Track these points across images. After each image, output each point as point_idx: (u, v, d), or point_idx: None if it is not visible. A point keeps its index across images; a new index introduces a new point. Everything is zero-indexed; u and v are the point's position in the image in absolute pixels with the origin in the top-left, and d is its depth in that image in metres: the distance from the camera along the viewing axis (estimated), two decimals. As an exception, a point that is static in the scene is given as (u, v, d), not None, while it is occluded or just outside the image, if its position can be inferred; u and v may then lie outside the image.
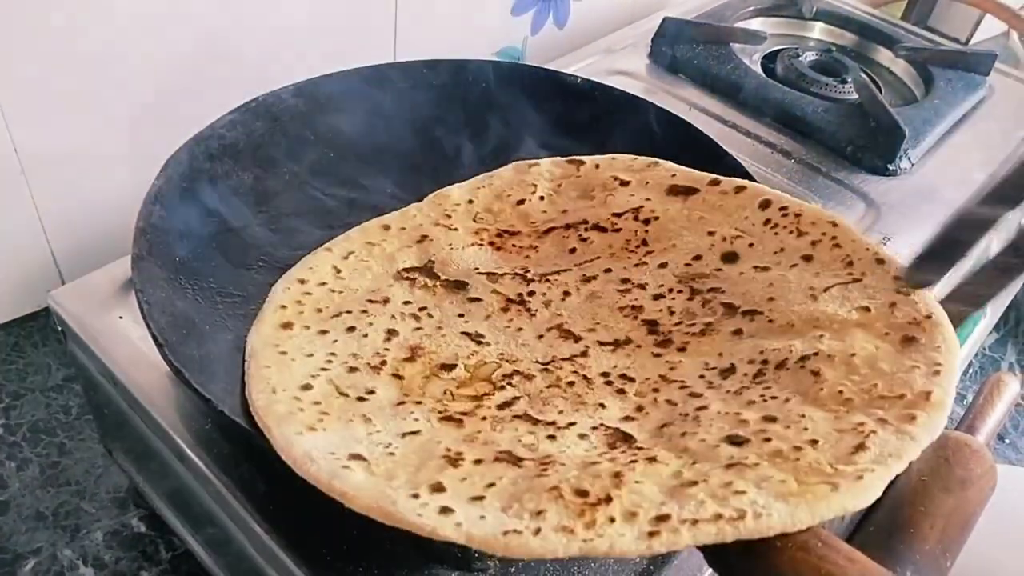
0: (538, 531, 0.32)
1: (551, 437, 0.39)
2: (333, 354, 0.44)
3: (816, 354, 0.40)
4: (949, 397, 0.38)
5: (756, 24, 0.94)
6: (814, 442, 0.35)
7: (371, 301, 0.48)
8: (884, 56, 0.92)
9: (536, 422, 0.40)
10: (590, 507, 0.33)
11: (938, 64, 0.88)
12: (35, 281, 0.70)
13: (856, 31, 0.94)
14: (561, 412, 0.41)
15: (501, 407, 0.42)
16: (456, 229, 0.52)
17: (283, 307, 0.47)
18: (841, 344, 0.40)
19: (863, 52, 0.93)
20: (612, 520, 0.32)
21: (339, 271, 0.50)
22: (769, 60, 0.89)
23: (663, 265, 0.49)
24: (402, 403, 0.42)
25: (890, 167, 0.74)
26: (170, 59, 0.68)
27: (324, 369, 0.43)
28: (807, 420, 0.37)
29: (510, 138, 0.61)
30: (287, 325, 0.46)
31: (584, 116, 0.62)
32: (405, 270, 0.50)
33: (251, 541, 0.44)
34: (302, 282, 0.48)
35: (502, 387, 0.43)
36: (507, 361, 0.45)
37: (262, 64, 0.73)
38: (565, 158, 0.55)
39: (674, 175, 0.52)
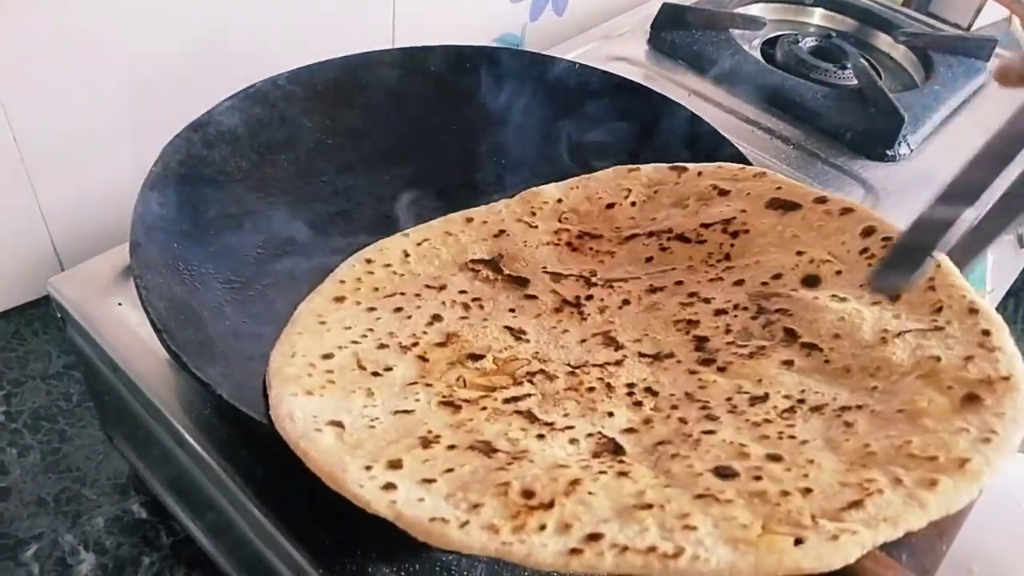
0: (465, 524, 0.32)
1: (540, 436, 0.38)
2: (371, 330, 0.45)
3: (860, 407, 0.37)
4: (989, 470, 0.32)
5: (755, 10, 0.93)
6: (807, 491, 0.33)
7: (428, 287, 0.48)
8: (884, 42, 0.92)
9: (534, 420, 0.40)
10: (527, 510, 0.33)
11: (938, 50, 0.88)
12: (35, 269, 0.70)
13: (856, 16, 0.94)
14: (566, 415, 0.41)
15: (508, 401, 0.41)
16: (536, 227, 0.52)
17: (342, 282, 0.48)
18: (890, 400, 0.37)
19: (863, 38, 0.93)
20: (542, 528, 0.32)
21: (408, 255, 0.50)
22: (768, 46, 0.88)
23: (739, 283, 0.46)
24: (414, 383, 0.42)
25: (889, 153, 0.74)
26: (168, 46, 0.68)
27: (355, 343, 0.44)
28: (814, 467, 0.34)
29: (505, 124, 0.61)
30: (339, 299, 0.47)
31: (582, 102, 0.62)
32: (473, 261, 0.50)
33: (251, 526, 0.44)
34: (369, 262, 0.49)
35: (520, 383, 0.43)
36: (538, 360, 0.45)
37: (260, 50, 0.72)
38: (668, 164, 0.53)
39: (779, 187, 0.49)
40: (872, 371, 0.39)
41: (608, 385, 0.42)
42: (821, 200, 0.47)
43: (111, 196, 0.69)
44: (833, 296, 0.43)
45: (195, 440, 0.45)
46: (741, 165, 0.52)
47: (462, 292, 0.49)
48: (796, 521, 0.31)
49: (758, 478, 0.34)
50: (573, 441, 0.38)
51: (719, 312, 0.45)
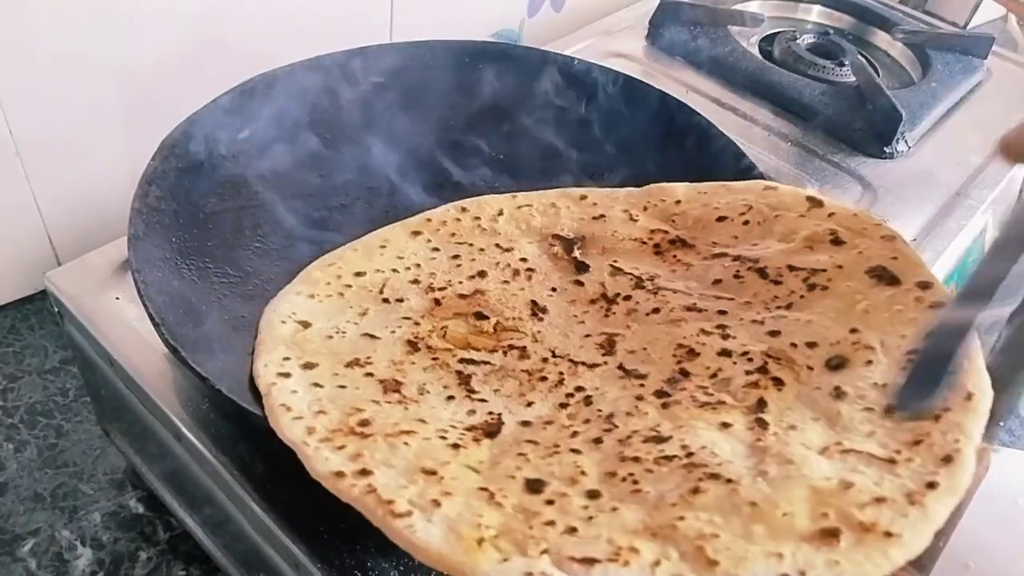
0: (299, 419, 0.38)
1: (450, 398, 0.42)
2: (417, 265, 0.50)
3: (730, 481, 0.35)
4: None
5: (754, 7, 0.93)
6: (572, 529, 0.33)
7: (498, 246, 0.51)
8: (882, 39, 0.92)
9: (463, 384, 0.43)
10: (349, 431, 0.38)
11: (936, 47, 0.88)
12: (31, 264, 0.70)
13: (854, 14, 0.94)
14: (496, 391, 0.43)
15: (463, 361, 0.45)
16: (636, 221, 0.52)
17: (428, 220, 0.53)
18: (759, 492, 0.35)
19: (861, 35, 0.93)
20: (341, 448, 0.37)
21: (501, 214, 0.53)
22: (767, 43, 0.88)
23: (773, 334, 0.43)
24: (408, 318, 0.47)
25: (887, 150, 0.74)
26: (164, 40, 0.67)
27: (394, 271, 0.50)
28: (610, 513, 0.34)
29: (502, 120, 0.61)
30: (416, 233, 0.52)
31: (580, 99, 0.62)
32: (554, 236, 0.52)
33: (249, 520, 0.44)
34: (463, 210, 0.53)
35: (494, 351, 0.46)
36: (534, 339, 0.46)
37: (258, 45, 0.72)
38: (807, 193, 0.50)
39: (895, 257, 0.44)
40: (782, 461, 0.36)
41: (560, 381, 0.44)
42: (923, 286, 0.43)
43: (107, 190, 0.69)
44: (837, 390, 0.39)
45: (193, 434, 0.45)
46: (881, 220, 0.47)
47: (523, 260, 0.51)
48: (524, 547, 0.32)
49: (550, 502, 0.35)
50: (471, 412, 0.41)
51: (724, 353, 0.43)
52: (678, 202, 0.52)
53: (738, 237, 0.49)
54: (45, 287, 0.52)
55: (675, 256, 0.50)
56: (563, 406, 0.42)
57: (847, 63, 0.82)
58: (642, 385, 0.42)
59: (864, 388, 0.39)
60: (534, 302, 0.49)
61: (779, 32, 0.89)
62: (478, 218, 0.53)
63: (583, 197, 0.54)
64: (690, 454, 0.37)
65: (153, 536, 0.60)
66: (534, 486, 0.36)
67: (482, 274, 0.50)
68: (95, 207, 0.70)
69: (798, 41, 0.86)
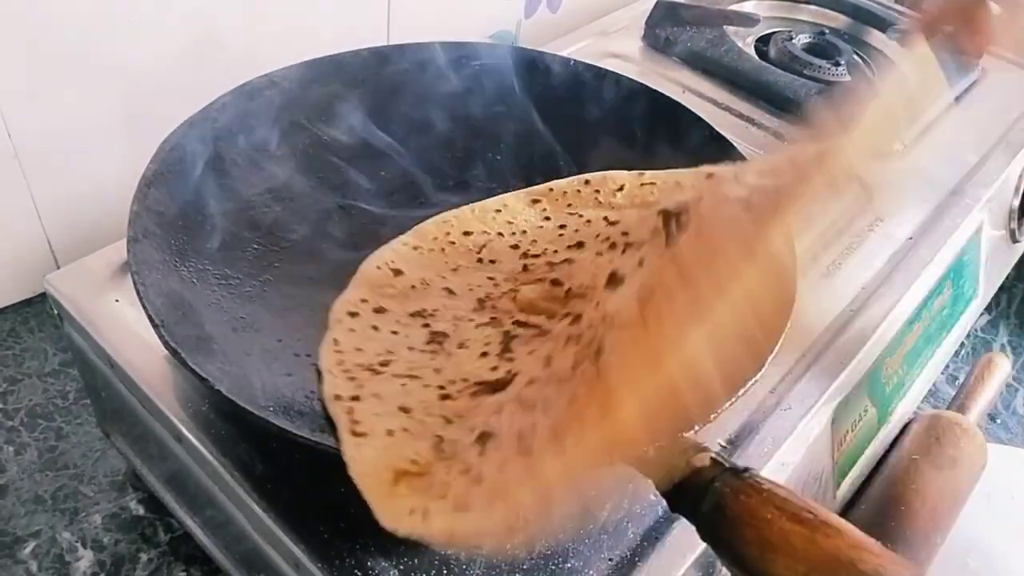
0: (341, 363, 0.43)
1: (483, 354, 0.45)
2: (524, 232, 0.54)
3: None
4: None
5: (749, 7, 0.94)
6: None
7: (605, 219, 0.53)
8: (877, 39, 0.92)
9: (503, 342, 0.46)
10: (372, 371, 0.42)
11: (930, 47, 0.88)
12: (30, 266, 0.70)
13: (849, 13, 0.94)
14: (531, 352, 0.45)
15: (516, 323, 0.47)
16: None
17: (551, 189, 0.56)
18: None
19: (856, 35, 0.93)
20: (352, 379, 0.42)
21: (621, 188, 0.54)
22: (762, 43, 0.89)
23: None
24: (492, 278, 0.51)
25: (884, 148, 0.74)
26: (164, 42, 0.68)
27: (500, 234, 0.53)
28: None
29: (501, 121, 0.61)
30: (536, 201, 0.55)
31: (576, 99, 0.62)
32: (662, 210, 0.50)
33: (250, 521, 0.44)
34: (587, 183, 0.55)
35: (551, 316, 0.47)
36: (594, 306, 0.46)
37: (255, 48, 0.72)
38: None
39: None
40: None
41: (590, 342, 0.44)
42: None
43: (107, 193, 0.69)
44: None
45: (193, 436, 0.45)
46: None
47: (624, 234, 0.51)
48: (428, 491, 0.35)
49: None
50: (493, 369, 0.44)
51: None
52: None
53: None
54: (44, 290, 0.52)
55: None
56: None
57: (843, 63, 0.82)
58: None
59: None
60: (615, 272, 0.48)
61: (775, 32, 0.89)
62: (598, 191, 0.55)
63: (710, 175, 0.52)
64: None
65: (154, 538, 0.60)
66: (484, 439, 0.38)
67: (580, 245, 0.52)
68: (94, 210, 0.70)
69: (794, 41, 0.87)
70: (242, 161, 0.53)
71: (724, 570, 0.46)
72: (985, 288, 0.79)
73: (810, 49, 0.86)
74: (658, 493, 0.36)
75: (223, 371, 0.40)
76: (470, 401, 0.41)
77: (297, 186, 0.54)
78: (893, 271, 0.63)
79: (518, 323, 0.47)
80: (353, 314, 0.47)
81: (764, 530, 0.31)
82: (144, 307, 0.40)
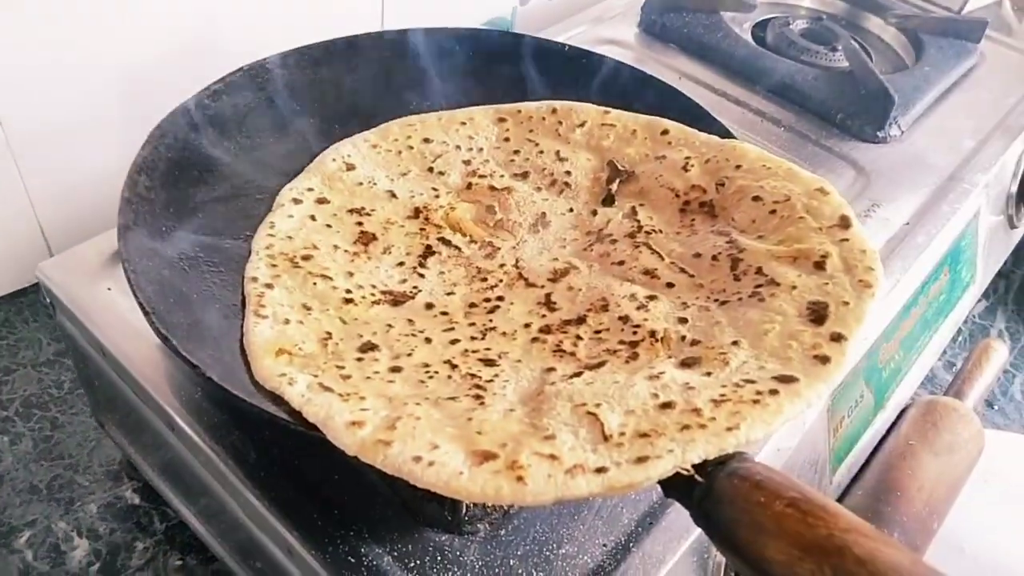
0: (269, 247, 0.47)
1: (400, 263, 0.49)
2: (481, 149, 0.56)
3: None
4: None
5: (746, -8, 0.93)
6: (348, 376, 0.40)
7: (556, 153, 0.56)
8: (875, 24, 0.92)
9: (421, 256, 0.49)
10: (292, 263, 0.46)
11: (929, 31, 0.88)
12: (24, 256, 0.70)
13: (847, -1, 0.94)
14: (441, 273, 0.49)
15: (440, 239, 0.51)
16: (689, 171, 0.52)
17: (519, 111, 0.58)
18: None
19: (854, 20, 0.93)
20: (274, 266, 0.46)
21: (583, 125, 0.57)
22: (760, 28, 0.88)
23: (683, 320, 0.43)
24: (435, 190, 0.54)
25: (880, 134, 0.74)
26: (157, 29, 0.67)
27: (457, 147, 0.56)
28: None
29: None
30: (502, 120, 0.58)
31: (572, 83, 0.61)
32: (610, 162, 0.55)
33: (243, 509, 0.44)
34: (554, 111, 0.58)
35: (473, 241, 0.51)
36: (512, 244, 0.51)
37: (250, 34, 0.72)
38: (846, 211, 0.46)
39: (847, 303, 0.41)
40: (537, 412, 0.37)
41: (493, 286, 0.48)
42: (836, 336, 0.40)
43: (100, 181, 0.68)
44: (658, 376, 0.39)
45: (186, 424, 0.45)
46: (876, 280, 0.42)
47: (567, 173, 0.55)
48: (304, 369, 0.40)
49: (359, 359, 0.41)
50: (402, 281, 0.48)
51: (622, 319, 0.44)
52: (739, 167, 0.51)
53: (755, 222, 0.48)
54: (37, 278, 0.52)
55: (692, 220, 0.50)
56: (471, 305, 0.47)
57: (840, 48, 0.82)
58: (543, 316, 0.45)
59: (682, 384, 0.37)
60: (543, 214, 0.53)
61: (772, 18, 0.89)
62: (561, 122, 0.57)
63: (664, 132, 0.55)
64: (488, 381, 0.40)
65: (149, 527, 0.60)
66: (366, 347, 0.42)
67: (525, 175, 0.55)
68: (87, 199, 0.70)
69: (791, 26, 0.86)
70: (234, 148, 0.53)
71: (719, 555, 0.46)
72: (983, 274, 0.79)
73: (807, 34, 0.85)
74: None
75: (214, 358, 0.39)
76: (368, 309, 0.45)
77: (289, 173, 0.53)
78: (890, 256, 0.63)
79: (442, 240, 0.51)
80: (297, 201, 0.51)
81: (757, 514, 0.31)
82: (135, 295, 0.40)
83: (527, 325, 0.44)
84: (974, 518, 0.62)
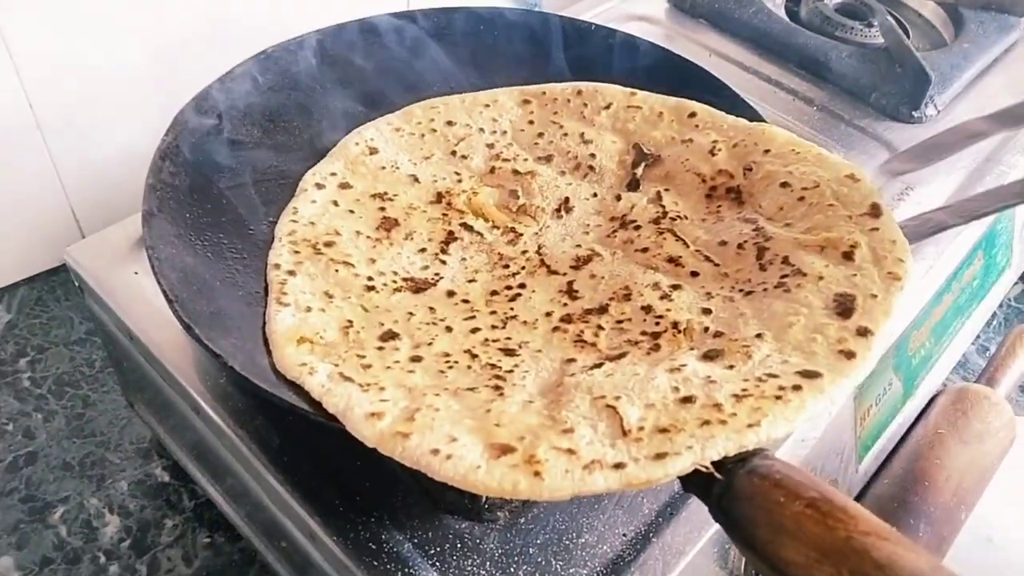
0: (292, 233, 0.47)
1: (422, 249, 0.49)
2: (504, 132, 0.56)
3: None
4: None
5: (780, -35, 0.90)
6: (368, 366, 0.40)
7: (581, 135, 0.55)
8: (913, -2, 0.89)
9: (443, 242, 0.49)
10: (314, 249, 0.46)
11: (969, 5, 0.85)
12: (56, 236, 0.71)
13: (885, -29, 0.91)
14: (463, 259, 0.49)
15: (462, 225, 0.50)
16: (716, 155, 0.51)
17: (543, 93, 0.57)
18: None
19: (891, -7, 0.90)
20: (296, 252, 0.46)
21: (608, 107, 0.56)
22: (793, 3, 0.86)
23: (707, 311, 0.42)
24: (458, 174, 0.54)
25: (915, 114, 0.72)
26: (186, 9, 0.67)
27: (481, 130, 0.56)
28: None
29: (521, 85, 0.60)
30: (526, 102, 0.57)
31: (598, 63, 0.60)
32: (635, 145, 0.54)
33: (267, 493, 0.45)
34: (579, 93, 0.57)
35: (495, 227, 0.51)
36: (535, 229, 0.51)
37: (278, 14, 0.72)
38: (876, 199, 0.45)
39: (875, 295, 0.40)
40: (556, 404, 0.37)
41: (515, 273, 0.48)
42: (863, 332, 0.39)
43: (130, 163, 0.69)
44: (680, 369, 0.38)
45: (211, 408, 0.46)
46: (903, 273, 0.40)
47: (591, 156, 0.54)
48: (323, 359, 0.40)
49: (380, 348, 0.41)
50: (424, 268, 0.48)
51: (645, 308, 0.43)
52: (767, 151, 0.50)
53: (783, 209, 0.47)
54: (65, 261, 0.52)
55: (719, 206, 0.49)
56: (493, 293, 0.46)
57: (876, 24, 0.79)
58: (565, 305, 0.45)
59: (704, 378, 0.37)
60: (567, 199, 0.52)
61: (806, -8, 0.86)
62: (586, 104, 0.56)
63: (692, 115, 0.54)
64: (508, 371, 0.39)
65: (179, 504, 0.61)
66: (387, 335, 0.42)
67: (549, 158, 0.55)
68: (118, 180, 0.70)
69: (825, 1, 0.84)
70: (257, 132, 0.53)
71: (740, 547, 0.46)
72: (1020, 257, 0.77)
73: (842, 10, 0.83)
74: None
75: (237, 347, 0.40)
76: (389, 297, 0.45)
77: (314, 157, 0.53)
78: (923, 241, 0.61)
79: (464, 225, 0.51)
80: (320, 186, 0.51)
81: (776, 513, 0.30)
82: (159, 283, 0.40)
83: (548, 314, 0.44)
84: (1004, 508, 0.61)
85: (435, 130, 0.56)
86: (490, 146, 0.55)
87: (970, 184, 0.67)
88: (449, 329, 0.43)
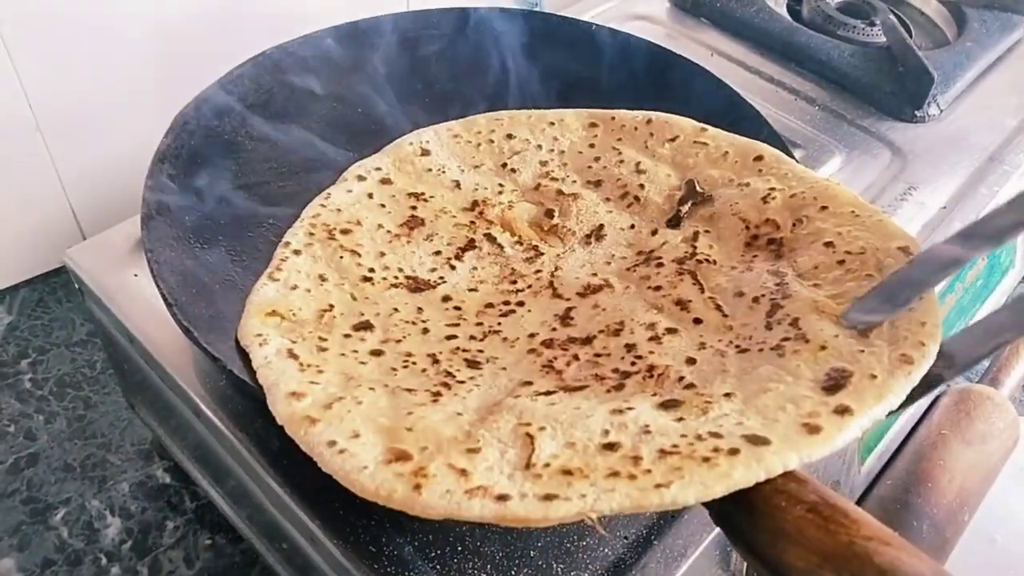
0: (313, 224, 0.47)
1: (437, 252, 0.49)
2: (562, 152, 0.55)
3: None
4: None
5: (782, -36, 0.90)
6: (324, 349, 0.40)
7: (637, 165, 0.53)
8: (916, -4, 0.89)
9: (460, 249, 0.49)
10: (329, 236, 0.47)
11: (972, 4, 0.84)
12: (57, 237, 0.71)
13: (887, -30, 0.91)
14: (474, 268, 0.48)
15: (486, 235, 0.50)
16: (769, 203, 0.47)
17: (613, 118, 0.56)
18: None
19: (894, -8, 0.90)
20: (311, 234, 0.47)
21: (674, 139, 0.54)
22: (795, 2, 0.86)
23: (692, 361, 0.40)
24: (501, 186, 0.53)
25: (918, 113, 0.72)
26: (184, 13, 0.67)
27: (539, 147, 0.55)
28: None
29: (521, 88, 0.60)
30: (593, 125, 0.56)
31: (598, 65, 0.60)
32: (689, 181, 0.51)
33: (266, 495, 0.45)
34: (649, 122, 0.55)
35: (520, 242, 0.50)
36: (558, 251, 0.50)
37: (278, 16, 0.72)
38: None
39: (874, 376, 0.35)
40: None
41: (518, 291, 0.47)
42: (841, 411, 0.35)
43: (131, 164, 0.68)
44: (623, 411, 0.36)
45: (211, 411, 0.46)
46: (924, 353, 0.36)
47: (641, 187, 0.52)
48: (284, 334, 0.40)
49: (348, 335, 0.42)
50: (432, 270, 0.48)
51: (628, 347, 0.41)
52: (824, 208, 0.45)
53: (817, 268, 0.43)
54: (65, 263, 0.52)
55: (754, 256, 0.46)
56: (488, 306, 0.46)
57: (878, 23, 0.79)
58: (553, 330, 0.44)
59: (640, 427, 0.34)
60: (601, 227, 0.51)
61: (808, -9, 0.86)
62: (652, 134, 0.54)
63: (758, 158, 0.50)
64: (460, 381, 0.39)
65: (180, 506, 0.61)
66: (361, 325, 0.43)
67: (598, 183, 0.53)
68: (119, 181, 0.70)
69: (828, 0, 0.83)
70: (256, 134, 0.53)
71: (742, 549, 0.46)
72: (1023, 258, 0.77)
73: (844, 8, 0.83)
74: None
75: (236, 350, 0.40)
76: (383, 291, 0.45)
77: (312, 160, 0.53)
78: (925, 241, 0.61)
79: (488, 236, 0.50)
80: (361, 178, 0.51)
81: (778, 519, 0.30)
82: (158, 286, 0.40)
83: (532, 335, 0.43)
84: (1007, 509, 0.61)
85: (493, 141, 0.55)
86: (543, 163, 0.54)
87: (973, 184, 0.66)
88: (426, 331, 0.43)
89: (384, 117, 0.57)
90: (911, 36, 0.79)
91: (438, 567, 0.41)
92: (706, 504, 0.33)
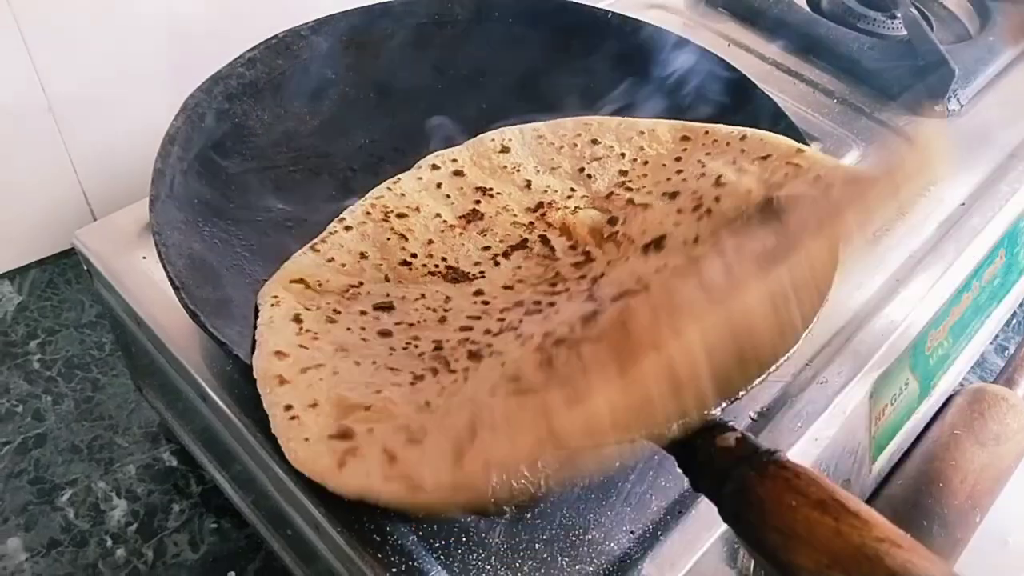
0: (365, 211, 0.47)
1: (486, 247, 0.48)
2: (645, 162, 0.52)
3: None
4: None
5: (803, -46, 0.89)
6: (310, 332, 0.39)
7: (718, 177, 0.48)
8: (938, -12, 0.87)
9: (510, 248, 0.48)
10: (370, 217, 0.47)
11: (996, -3, 0.83)
12: (67, 219, 0.71)
13: (910, -38, 0.89)
14: (518, 267, 0.47)
15: (540, 238, 0.48)
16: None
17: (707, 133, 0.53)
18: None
19: (916, -16, 0.88)
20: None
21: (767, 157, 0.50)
22: (815, -7, 0.84)
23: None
24: (573, 190, 0.52)
25: (938, 108, 0.70)
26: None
27: (622, 155, 0.53)
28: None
29: (534, 72, 0.59)
30: (685, 139, 0.53)
31: (611, 52, 0.59)
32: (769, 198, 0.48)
33: (272, 482, 0.45)
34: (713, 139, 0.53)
35: (574, 247, 0.48)
36: (609, 260, 0.47)
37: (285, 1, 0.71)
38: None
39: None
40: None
41: (551, 288, 0.45)
42: None
43: (141, 146, 0.68)
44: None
45: (217, 396, 0.45)
46: None
47: (716, 199, 0.48)
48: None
49: (332, 320, 0.41)
50: (476, 264, 0.47)
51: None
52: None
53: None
54: (73, 245, 0.52)
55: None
56: (517, 304, 0.44)
57: (899, 15, 0.78)
58: (571, 330, 0.41)
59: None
60: (663, 237, 0.47)
61: (829, -19, 0.85)
62: (744, 151, 0.50)
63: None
64: (452, 371, 0.38)
65: (186, 489, 0.61)
66: (382, 306, 0.42)
67: (674, 195, 0.49)
68: (130, 162, 0.70)
69: (848, -9, 0.82)
70: (268, 118, 0.52)
71: (749, 547, 0.45)
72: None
73: (865, 1, 0.81)
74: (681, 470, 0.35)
75: (242, 335, 0.39)
76: (419, 277, 0.45)
77: (323, 144, 0.53)
78: (943, 238, 0.60)
79: (542, 238, 0.49)
80: (435, 167, 0.51)
81: (788, 517, 0.30)
82: (165, 269, 0.40)
83: (547, 334, 0.41)
84: (1020, 511, 0.60)
85: (576, 144, 0.54)
86: (623, 173, 0.52)
87: (993, 181, 0.65)
88: (443, 320, 0.42)
89: (398, 102, 0.56)
90: (932, 30, 0.78)
91: (441, 557, 0.40)
92: (715, 501, 0.33)
